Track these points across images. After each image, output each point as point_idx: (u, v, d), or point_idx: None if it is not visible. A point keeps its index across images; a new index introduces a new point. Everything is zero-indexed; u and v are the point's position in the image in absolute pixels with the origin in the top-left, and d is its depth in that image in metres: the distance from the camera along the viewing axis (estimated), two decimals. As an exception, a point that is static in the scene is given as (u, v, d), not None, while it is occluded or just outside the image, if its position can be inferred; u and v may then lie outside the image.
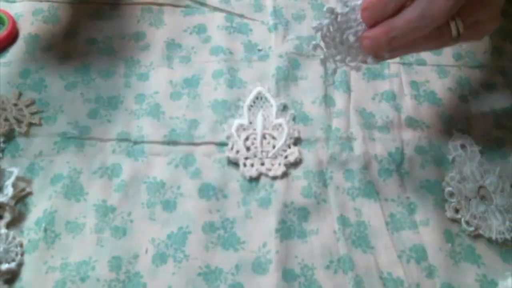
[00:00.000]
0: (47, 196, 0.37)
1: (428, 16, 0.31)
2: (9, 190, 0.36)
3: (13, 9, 0.47)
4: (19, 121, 0.40)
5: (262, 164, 0.39)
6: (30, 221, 0.36)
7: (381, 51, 0.34)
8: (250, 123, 0.41)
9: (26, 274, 0.34)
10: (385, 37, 0.33)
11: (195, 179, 0.39)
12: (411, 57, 0.47)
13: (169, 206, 0.37)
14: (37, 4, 0.47)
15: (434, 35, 0.34)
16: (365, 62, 0.35)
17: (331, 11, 0.33)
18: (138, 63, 0.45)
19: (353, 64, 0.35)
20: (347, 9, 0.34)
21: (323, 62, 0.36)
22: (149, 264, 0.35)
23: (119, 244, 0.35)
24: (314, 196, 0.38)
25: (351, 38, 0.34)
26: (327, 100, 0.43)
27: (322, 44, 0.35)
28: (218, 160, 0.40)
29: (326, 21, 0.34)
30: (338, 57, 0.35)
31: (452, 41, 0.35)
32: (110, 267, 0.34)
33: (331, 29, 0.34)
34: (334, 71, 0.37)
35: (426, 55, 0.47)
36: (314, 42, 0.35)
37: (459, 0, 0.31)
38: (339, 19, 0.34)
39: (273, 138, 0.41)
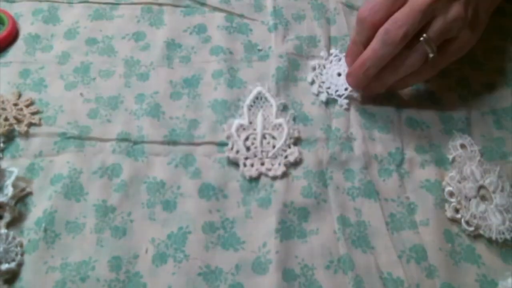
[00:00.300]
0: (47, 196, 0.37)
1: (387, 43, 0.37)
2: (9, 190, 0.36)
3: (13, 9, 0.47)
4: (19, 121, 0.40)
5: (262, 164, 0.39)
6: (30, 221, 0.36)
7: (362, 82, 0.41)
8: (250, 123, 0.41)
9: (26, 274, 0.34)
10: (361, 69, 0.40)
11: (195, 179, 0.39)
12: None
13: (169, 206, 0.37)
14: (37, 4, 0.47)
15: (414, 59, 0.39)
16: (352, 96, 0.43)
17: (326, 56, 0.46)
18: (138, 63, 0.45)
19: (341, 96, 0.43)
20: (339, 56, 0.45)
21: (318, 93, 0.44)
22: (149, 264, 0.35)
23: (119, 244, 0.35)
24: (314, 196, 0.38)
25: (338, 75, 0.44)
26: (327, 101, 0.43)
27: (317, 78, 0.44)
28: (218, 160, 0.40)
29: (322, 61, 0.45)
30: (329, 90, 0.44)
31: (433, 65, 0.40)
32: (110, 267, 0.34)
33: (325, 67, 0.45)
34: (327, 101, 0.43)
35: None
36: (311, 79, 0.44)
37: (411, 27, 0.37)
38: (332, 62, 0.45)
39: (273, 138, 0.41)
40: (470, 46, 0.41)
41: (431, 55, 0.38)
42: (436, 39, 0.38)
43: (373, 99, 0.44)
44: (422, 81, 0.43)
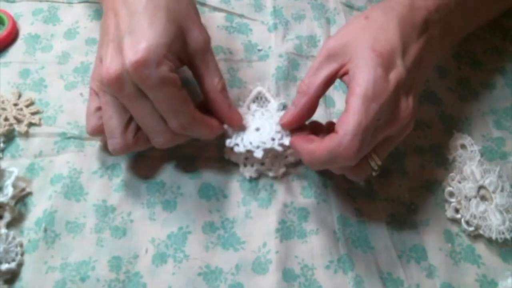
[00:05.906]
0: (47, 196, 0.37)
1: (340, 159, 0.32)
2: (9, 190, 0.36)
3: (13, 9, 0.47)
4: (19, 121, 0.40)
5: (262, 164, 0.39)
6: (30, 221, 0.36)
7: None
8: (250, 123, 0.41)
9: (26, 274, 0.34)
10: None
11: (195, 179, 0.39)
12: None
13: (169, 206, 0.37)
14: (37, 4, 0.47)
15: (358, 169, 0.34)
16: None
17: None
18: (138, 63, 0.44)
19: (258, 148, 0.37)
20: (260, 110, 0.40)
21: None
22: (149, 264, 0.35)
23: (119, 244, 0.35)
24: (314, 196, 0.38)
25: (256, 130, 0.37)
26: (327, 100, 0.43)
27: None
28: (218, 160, 0.40)
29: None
30: (243, 141, 0.37)
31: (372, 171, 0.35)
32: (110, 267, 0.34)
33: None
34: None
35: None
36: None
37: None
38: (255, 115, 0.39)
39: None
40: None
41: (375, 167, 0.35)
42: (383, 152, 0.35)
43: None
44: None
